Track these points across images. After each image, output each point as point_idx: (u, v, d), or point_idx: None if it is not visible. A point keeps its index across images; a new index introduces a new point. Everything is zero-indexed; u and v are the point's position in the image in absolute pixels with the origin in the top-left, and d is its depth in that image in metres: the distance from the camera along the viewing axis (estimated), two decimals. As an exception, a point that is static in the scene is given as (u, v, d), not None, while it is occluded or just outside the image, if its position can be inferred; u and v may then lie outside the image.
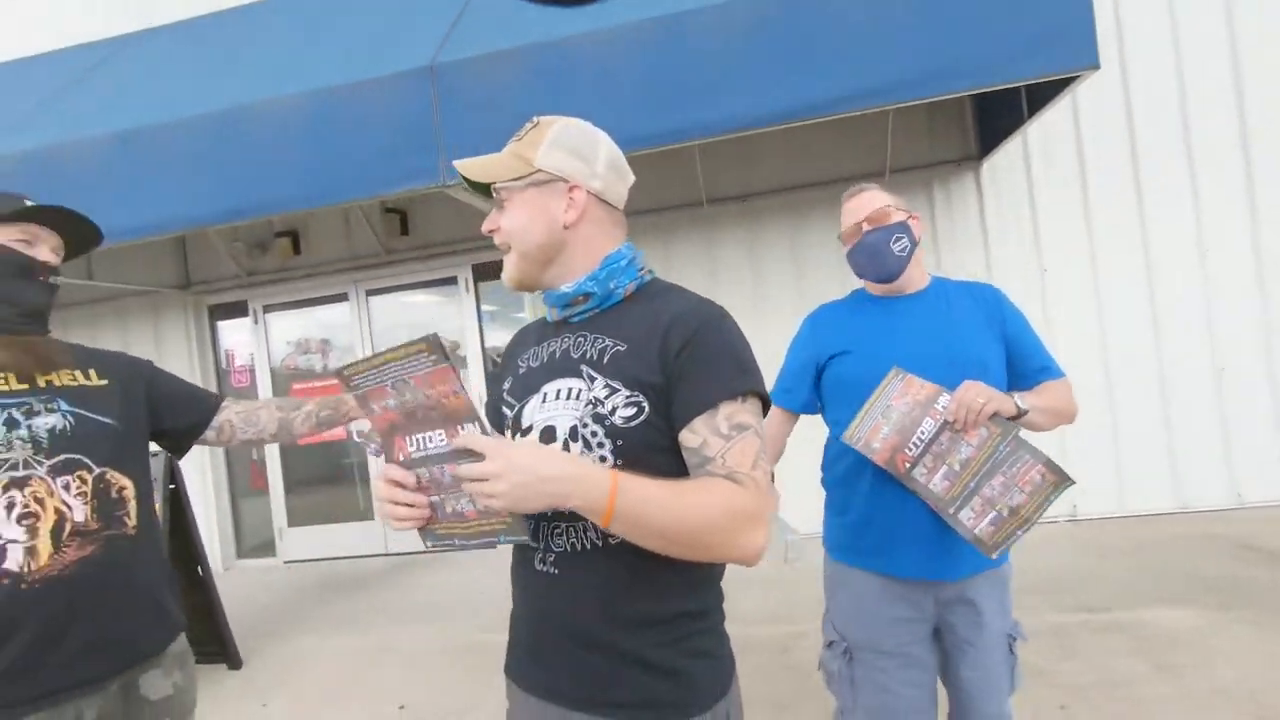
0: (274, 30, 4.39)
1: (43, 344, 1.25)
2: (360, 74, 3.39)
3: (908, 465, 1.41)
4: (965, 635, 1.48)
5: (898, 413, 1.40)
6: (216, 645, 3.34)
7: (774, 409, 1.67)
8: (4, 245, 1.21)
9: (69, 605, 1.15)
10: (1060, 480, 1.35)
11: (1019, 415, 1.39)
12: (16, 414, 1.18)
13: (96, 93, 4.27)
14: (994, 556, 1.38)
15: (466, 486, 0.80)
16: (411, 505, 0.88)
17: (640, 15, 3.14)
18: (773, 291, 4.41)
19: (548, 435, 0.94)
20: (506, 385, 1.06)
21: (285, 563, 5.22)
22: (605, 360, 0.94)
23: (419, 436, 0.84)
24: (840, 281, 4.38)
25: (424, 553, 4.65)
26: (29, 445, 1.16)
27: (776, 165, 4.41)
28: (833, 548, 1.63)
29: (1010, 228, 4.26)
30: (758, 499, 0.85)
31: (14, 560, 1.11)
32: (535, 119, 1.02)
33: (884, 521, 1.48)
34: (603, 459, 0.90)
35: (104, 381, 1.32)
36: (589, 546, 0.90)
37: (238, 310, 5.35)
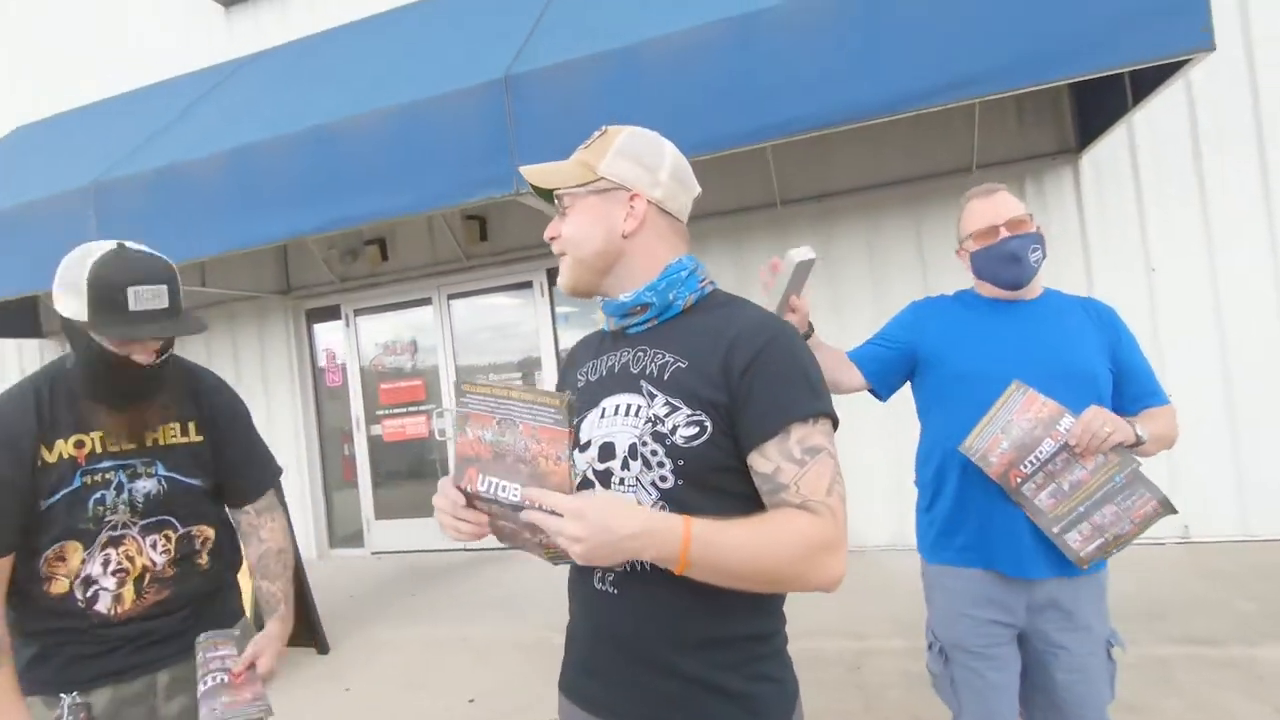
0: (365, 51, 4.64)
1: (149, 408, 1.29)
2: (440, 88, 3.53)
3: (1019, 480, 1.41)
4: (1057, 639, 1.46)
5: (1018, 429, 1.39)
6: (306, 630, 3.55)
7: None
8: (104, 349, 1.20)
9: (146, 633, 1.29)
10: (1168, 513, 1.37)
11: (1136, 444, 1.38)
12: (123, 477, 1.28)
13: (210, 115, 4.64)
14: (1084, 569, 1.41)
15: (545, 538, 0.80)
16: (470, 521, 0.89)
17: (711, 17, 3.12)
18: (849, 296, 4.27)
19: (606, 451, 0.94)
20: None
21: (373, 553, 5.49)
22: (666, 376, 0.92)
23: (494, 480, 0.83)
24: (921, 284, 4.21)
25: (500, 549, 4.79)
26: (128, 508, 1.28)
27: (852, 163, 4.27)
28: (927, 549, 1.63)
29: (1113, 223, 3.95)
30: (835, 527, 0.83)
31: (104, 604, 1.25)
32: (604, 128, 1.02)
33: (977, 518, 1.49)
34: (663, 478, 0.89)
35: (199, 439, 1.37)
36: (649, 567, 0.88)
37: (332, 314, 5.68)
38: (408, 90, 3.68)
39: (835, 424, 0.90)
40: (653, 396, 0.92)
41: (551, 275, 5.07)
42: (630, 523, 0.77)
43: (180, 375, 1.38)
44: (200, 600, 1.37)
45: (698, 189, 1.06)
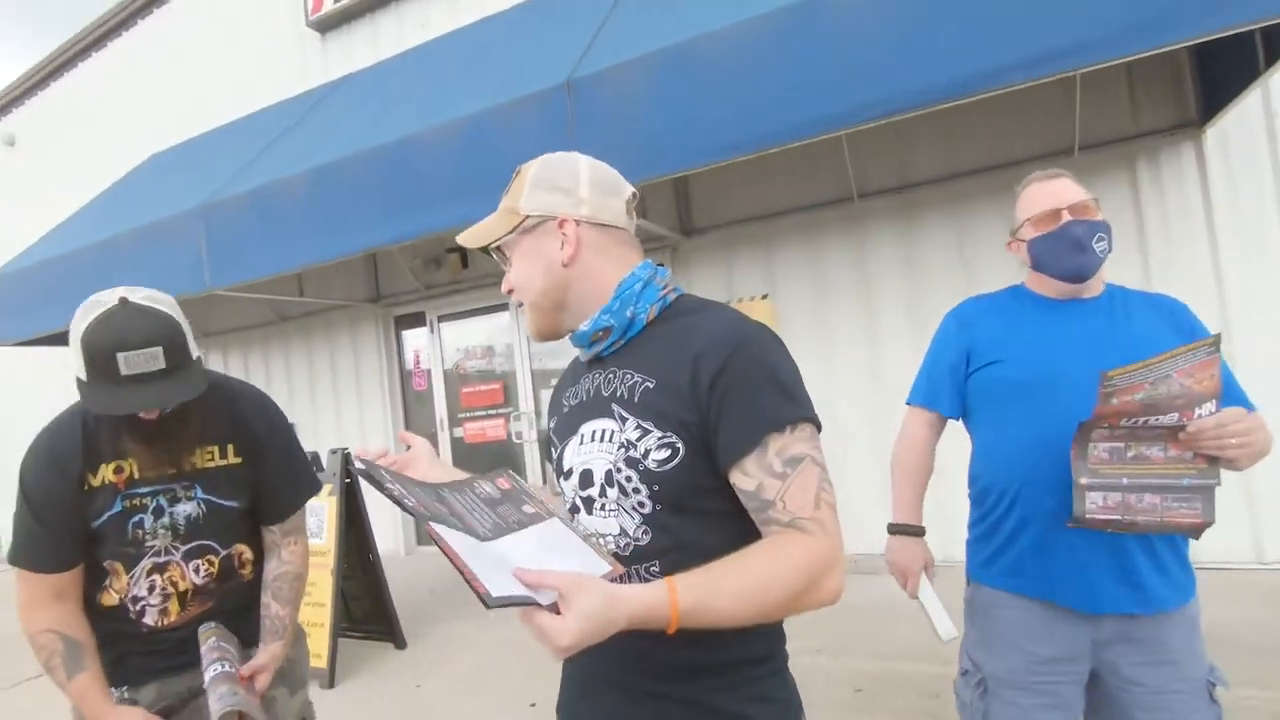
0: (441, 67, 4.80)
1: (182, 438, 1.30)
2: (506, 97, 3.59)
3: (1106, 428, 1.22)
4: (1131, 674, 1.30)
5: (1168, 388, 1.18)
6: (384, 625, 3.69)
7: (918, 414, 1.56)
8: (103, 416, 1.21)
9: (190, 643, 1.33)
10: (1195, 536, 1.25)
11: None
12: (164, 501, 1.31)
13: (304, 136, 4.94)
14: (1068, 525, 1.25)
15: (528, 617, 0.71)
16: None
17: (775, 4, 2.99)
18: (934, 294, 3.98)
19: (585, 479, 0.92)
20: (553, 424, 1.05)
21: (455, 552, 5.66)
22: (636, 398, 0.89)
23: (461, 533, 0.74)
24: (1015, 281, 3.86)
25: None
26: (169, 533, 1.32)
27: (935, 150, 4.00)
28: (975, 568, 1.48)
29: (1246, 205, 3.48)
30: (828, 543, 0.79)
31: (150, 617, 1.32)
32: (518, 169, 1.00)
33: (1040, 544, 1.34)
34: (640, 504, 0.87)
35: (239, 460, 1.38)
36: None
37: (417, 320, 5.92)
38: (477, 101, 3.77)
39: (818, 427, 0.86)
40: (624, 420, 0.89)
41: (624, 278, 5.06)
42: (616, 626, 0.71)
43: (219, 399, 1.36)
44: (245, 606, 1.41)
45: (629, 189, 1.00)
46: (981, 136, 3.88)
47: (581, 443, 0.94)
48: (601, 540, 0.89)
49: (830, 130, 2.97)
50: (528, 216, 0.95)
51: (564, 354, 5.38)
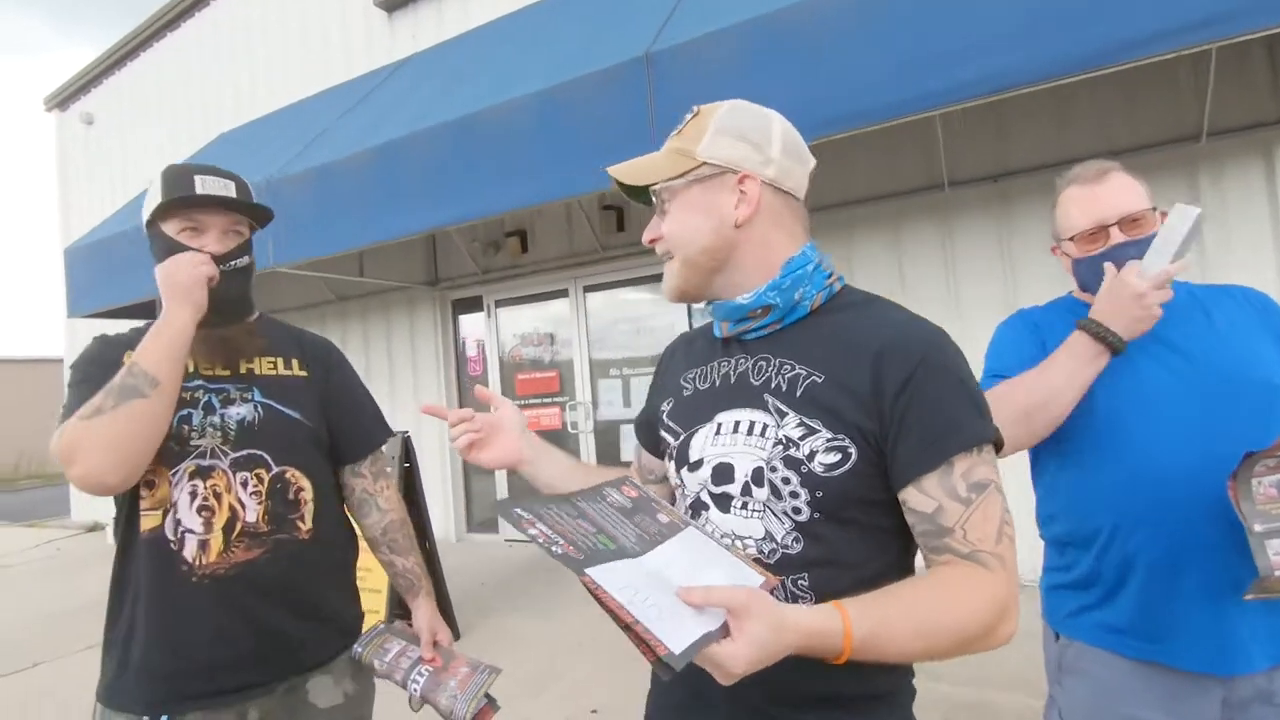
0: (510, 43, 4.67)
1: (236, 333, 1.24)
2: (579, 70, 3.42)
3: (1264, 460, 1.01)
4: None
5: None
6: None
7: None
8: (171, 239, 1.18)
9: (234, 605, 1.16)
10: None
11: None
12: (215, 400, 1.20)
13: (367, 115, 4.88)
14: (1246, 598, 1.00)
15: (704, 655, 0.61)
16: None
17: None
18: (1031, 289, 3.68)
19: (722, 474, 0.84)
20: (667, 407, 0.95)
21: (506, 541, 5.60)
22: (798, 392, 0.81)
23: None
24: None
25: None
26: (219, 434, 1.18)
27: (1039, 135, 3.67)
28: (1062, 620, 1.24)
29: (1405, 200, 3.09)
30: (1008, 583, 0.73)
31: (189, 550, 1.14)
32: (696, 108, 0.89)
33: (1150, 592, 1.11)
34: (796, 510, 0.79)
35: (304, 373, 1.31)
36: None
37: (475, 305, 5.85)
38: (546, 78, 3.62)
39: (999, 448, 0.78)
40: (782, 415, 0.81)
41: (688, 267, 4.87)
42: (787, 649, 0.63)
43: (285, 326, 1.37)
44: (299, 583, 1.22)
45: (813, 161, 0.91)
46: (1091, 120, 3.54)
47: (718, 433, 0.85)
48: (740, 544, 0.81)
49: (925, 110, 2.73)
50: (705, 164, 0.85)
51: (627, 345, 5.24)
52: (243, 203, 1.21)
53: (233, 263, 1.21)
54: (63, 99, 8.93)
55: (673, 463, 0.91)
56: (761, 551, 0.80)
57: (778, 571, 0.77)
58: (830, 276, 0.87)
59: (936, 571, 0.74)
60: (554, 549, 0.65)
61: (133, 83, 8.30)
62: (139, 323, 1.29)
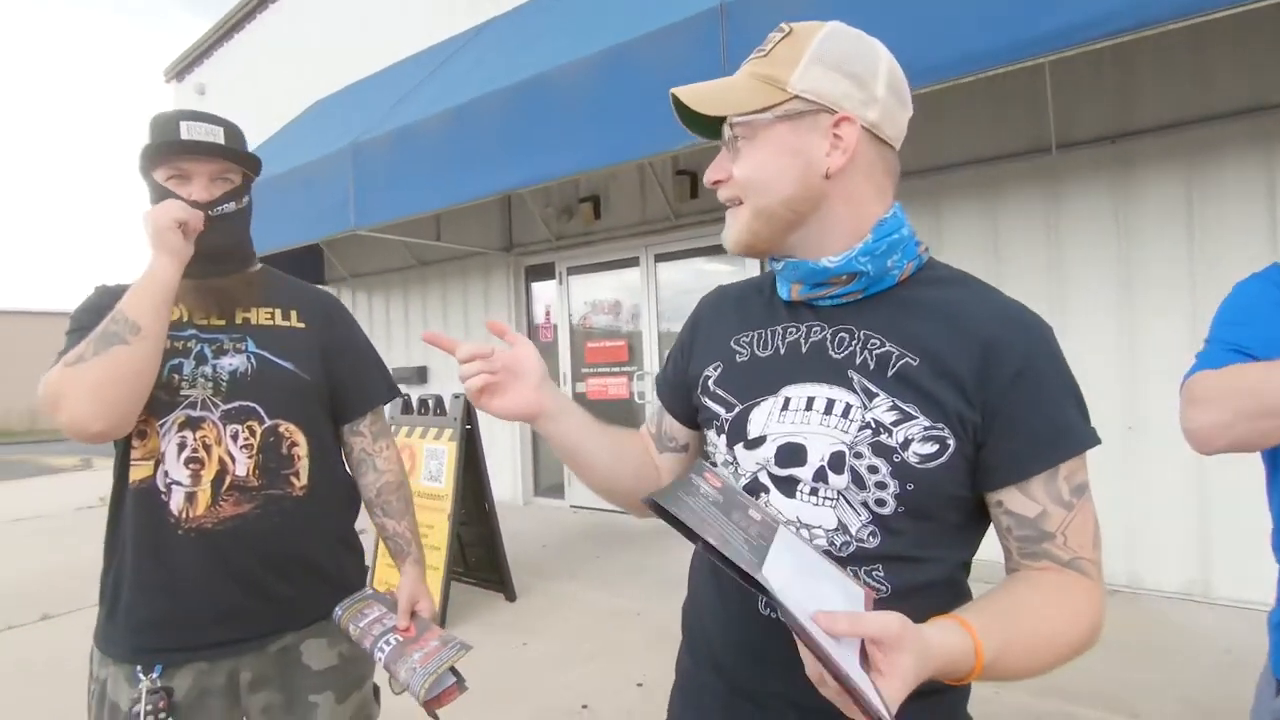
0: (585, 1, 4.55)
1: (231, 283, 1.21)
2: (650, 25, 3.27)
3: None
4: None
5: None
6: (495, 575, 3.67)
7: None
8: (160, 186, 1.14)
9: (221, 560, 1.13)
10: None
11: None
12: (208, 350, 1.17)
13: (445, 80, 4.90)
14: None
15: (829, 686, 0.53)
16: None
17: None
18: (1151, 267, 3.29)
19: (791, 455, 0.74)
20: (714, 372, 0.83)
21: (571, 506, 5.65)
22: (889, 372, 0.72)
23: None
24: (1271, 259, 3.09)
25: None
26: (210, 385, 1.15)
27: (1170, 89, 3.23)
28: None
29: None
30: (1101, 591, 0.71)
31: (175, 503, 1.12)
32: (787, 25, 0.75)
33: None
34: (880, 502, 0.70)
35: (302, 325, 1.27)
36: None
37: (547, 272, 5.85)
38: (619, 33, 3.48)
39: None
40: (870, 395, 0.72)
41: (764, 236, 4.66)
42: (930, 668, 0.57)
43: (284, 278, 1.34)
44: (291, 540, 1.19)
45: (912, 108, 0.79)
46: (1234, 70, 3.08)
47: (785, 408, 0.76)
48: (805, 533, 0.72)
49: (1034, 56, 2.41)
50: (796, 97, 0.72)
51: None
52: (227, 149, 1.17)
53: (220, 208, 1.17)
54: (179, 70, 9.53)
55: (723, 437, 0.80)
56: (832, 544, 0.72)
57: (850, 564, 0.70)
58: (921, 245, 0.77)
59: (1044, 581, 0.69)
60: (740, 563, 0.55)
61: (238, 55, 8.73)
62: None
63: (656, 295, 5.26)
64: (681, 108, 0.77)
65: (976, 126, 3.67)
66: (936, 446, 0.69)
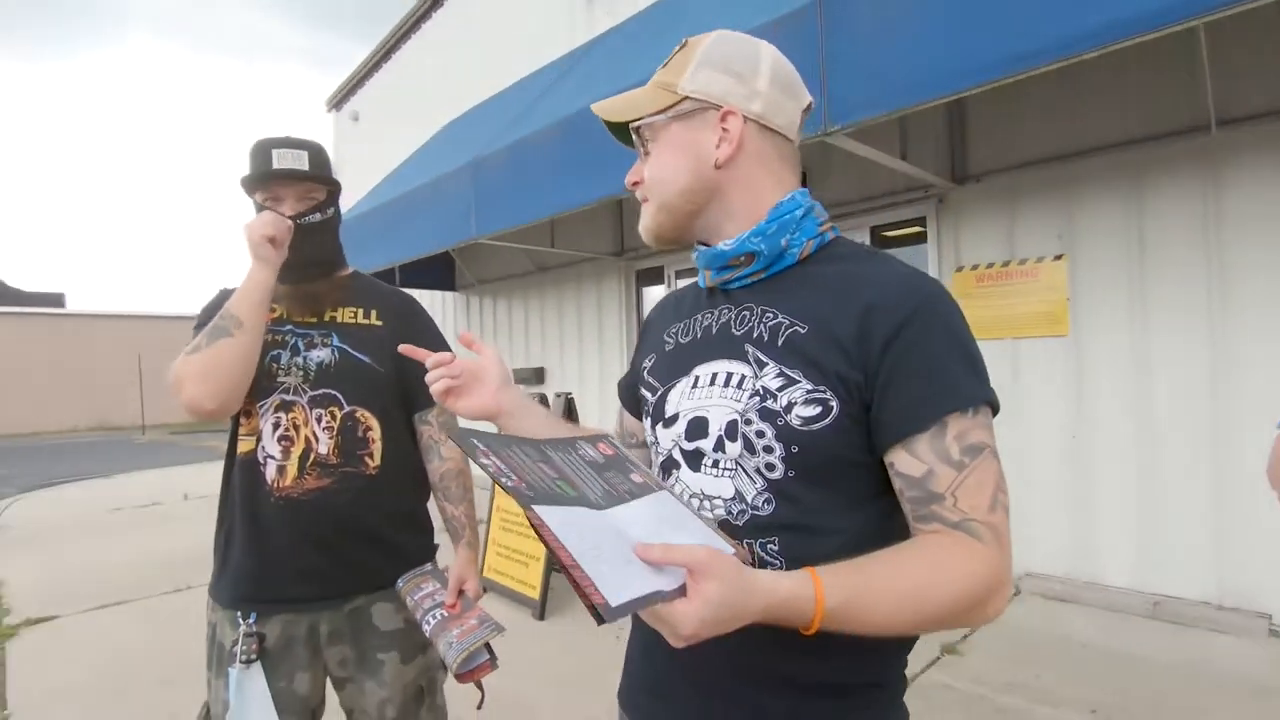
0: (696, 6, 4.59)
1: (321, 286, 1.40)
2: (748, 24, 3.25)
3: None
4: None
5: None
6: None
7: None
8: (259, 205, 1.35)
9: (302, 527, 1.28)
10: None
11: None
12: (300, 343, 1.35)
13: (560, 93, 5.13)
14: None
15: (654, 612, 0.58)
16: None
17: None
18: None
19: (696, 428, 0.79)
20: (648, 364, 0.92)
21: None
22: (780, 341, 0.76)
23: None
24: None
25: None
26: (300, 373, 1.32)
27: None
28: None
29: None
30: (1001, 556, 0.68)
31: (269, 474, 1.29)
32: (685, 40, 0.84)
33: None
34: (769, 465, 0.73)
35: (379, 323, 1.43)
36: None
37: (656, 276, 5.94)
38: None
39: (995, 411, 0.73)
40: (761, 365, 0.76)
41: (877, 235, 4.47)
42: (749, 615, 0.60)
43: (368, 280, 1.51)
44: (363, 514, 1.33)
45: (808, 98, 0.84)
46: None
47: (695, 385, 0.82)
48: (708, 505, 0.77)
49: (1182, 19, 2.14)
50: (686, 98, 0.80)
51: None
52: (308, 173, 1.35)
53: (307, 219, 1.35)
54: (337, 101, 10.63)
55: (648, 420, 0.87)
56: (730, 513, 0.75)
57: (747, 535, 0.74)
58: (823, 224, 0.81)
59: (921, 539, 0.69)
60: (504, 480, 0.62)
61: (384, 84, 9.61)
62: None
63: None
64: (608, 122, 0.87)
65: (1117, 106, 3.32)
66: (819, 409, 0.71)
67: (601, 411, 6.07)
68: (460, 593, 1.35)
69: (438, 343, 1.51)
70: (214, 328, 1.24)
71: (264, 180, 1.33)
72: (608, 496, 0.66)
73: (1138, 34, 2.18)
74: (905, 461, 0.70)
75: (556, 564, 0.57)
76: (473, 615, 1.30)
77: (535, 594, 3.43)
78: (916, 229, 4.17)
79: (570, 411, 3.70)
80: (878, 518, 0.74)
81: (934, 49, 2.58)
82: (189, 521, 6.52)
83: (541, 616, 3.43)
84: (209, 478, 9.25)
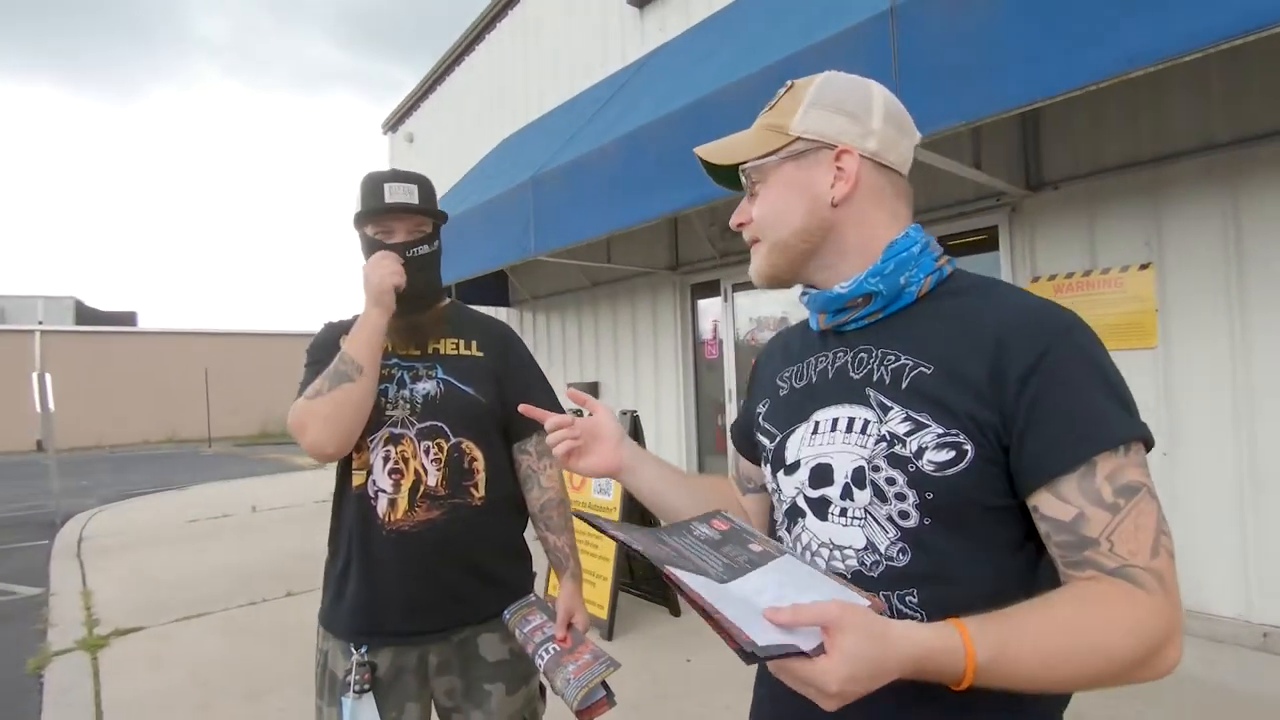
0: (751, 21, 4.57)
1: (425, 319, 1.41)
2: (817, 36, 3.20)
3: None
4: None
5: None
6: (660, 588, 3.73)
7: None
8: (370, 238, 1.38)
9: (413, 560, 1.28)
10: None
11: None
12: (406, 376, 1.36)
13: (615, 110, 5.16)
14: None
15: (785, 667, 0.58)
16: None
17: None
18: None
19: (820, 475, 0.78)
20: (763, 409, 0.90)
21: (736, 524, 5.60)
22: (904, 384, 0.74)
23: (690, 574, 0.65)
24: None
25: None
26: (407, 406, 1.33)
27: None
28: None
29: None
30: (1169, 604, 0.63)
31: (381, 507, 1.30)
32: (790, 82, 0.85)
33: None
34: (903, 514, 0.71)
35: (480, 354, 1.43)
36: None
37: (712, 289, 5.90)
38: (785, 47, 3.46)
39: (1149, 447, 0.68)
40: (885, 409, 0.74)
41: (941, 243, 4.34)
42: (895, 669, 0.57)
43: (468, 311, 1.53)
44: (469, 545, 1.33)
45: (918, 135, 0.84)
46: None
47: (815, 432, 0.80)
48: (839, 555, 0.75)
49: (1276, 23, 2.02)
50: (798, 139, 0.80)
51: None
52: (420, 207, 1.38)
53: (415, 250, 1.38)
54: (393, 123, 10.94)
55: (769, 466, 0.86)
56: (863, 564, 0.73)
57: (883, 587, 0.71)
58: (939, 258, 0.80)
59: (1076, 586, 0.65)
60: (633, 545, 0.66)
61: (438, 105, 9.84)
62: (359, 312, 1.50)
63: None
64: (706, 163, 0.87)
65: (1207, 106, 3.16)
66: (953, 453, 0.68)
67: (658, 427, 6.04)
68: (569, 625, 1.34)
69: (535, 372, 1.52)
70: (336, 373, 1.26)
71: (376, 214, 1.36)
72: (729, 570, 0.66)
73: (1230, 38, 2.06)
74: (1051, 505, 0.66)
75: (702, 615, 0.59)
76: (585, 650, 1.29)
77: (603, 613, 3.42)
78: (981, 238, 4.04)
79: (636, 430, 3.68)
80: (1024, 566, 0.71)
81: (1012, 57, 2.49)
82: (259, 534, 6.73)
83: (609, 636, 3.41)
84: (273, 490, 9.56)
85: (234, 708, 2.99)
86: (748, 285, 5.65)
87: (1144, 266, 3.37)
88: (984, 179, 3.60)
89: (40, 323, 22.91)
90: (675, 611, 3.68)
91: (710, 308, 6.00)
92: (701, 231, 5.60)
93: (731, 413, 5.69)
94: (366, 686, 1.26)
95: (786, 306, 5.39)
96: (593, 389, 6.89)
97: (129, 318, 29.02)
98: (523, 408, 0.99)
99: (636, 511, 3.75)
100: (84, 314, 27.41)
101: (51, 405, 8.31)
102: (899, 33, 2.81)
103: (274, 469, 12.73)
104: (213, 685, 3.23)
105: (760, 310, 5.59)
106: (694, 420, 6.05)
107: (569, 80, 7.01)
